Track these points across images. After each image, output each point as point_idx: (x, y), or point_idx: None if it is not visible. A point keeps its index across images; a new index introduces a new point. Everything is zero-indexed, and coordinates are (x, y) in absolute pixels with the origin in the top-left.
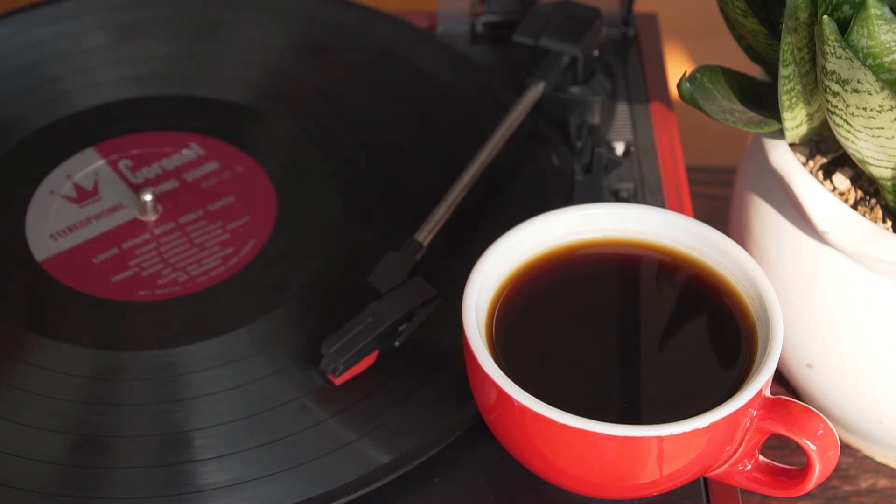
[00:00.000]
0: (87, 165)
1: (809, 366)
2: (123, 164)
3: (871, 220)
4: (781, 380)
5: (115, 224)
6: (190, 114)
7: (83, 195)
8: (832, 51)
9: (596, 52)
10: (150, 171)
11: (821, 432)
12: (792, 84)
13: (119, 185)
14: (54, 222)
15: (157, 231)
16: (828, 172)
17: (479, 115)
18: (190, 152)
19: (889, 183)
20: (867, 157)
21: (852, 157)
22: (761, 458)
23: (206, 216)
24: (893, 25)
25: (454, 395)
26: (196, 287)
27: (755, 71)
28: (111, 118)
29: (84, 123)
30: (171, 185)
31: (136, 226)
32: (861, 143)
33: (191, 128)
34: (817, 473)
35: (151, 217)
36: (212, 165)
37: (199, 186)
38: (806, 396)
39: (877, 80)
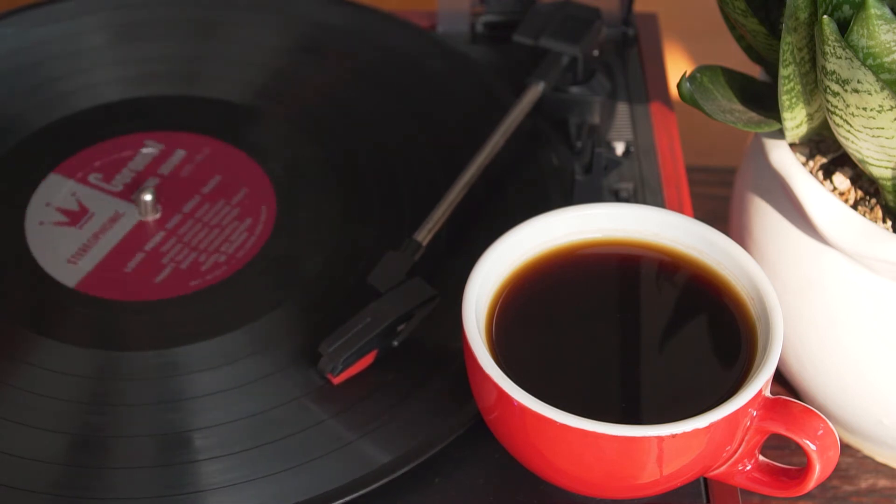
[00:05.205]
0: (60, 189)
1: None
2: (94, 178)
3: (871, 220)
4: (781, 380)
5: (123, 232)
6: (190, 114)
7: (74, 217)
8: (832, 51)
9: (596, 52)
10: (124, 177)
11: (821, 432)
12: (792, 84)
13: (101, 198)
14: (64, 249)
15: (167, 227)
16: (828, 172)
17: (479, 115)
18: (152, 150)
19: (889, 183)
20: (867, 157)
21: (852, 157)
22: (761, 458)
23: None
24: (893, 25)
25: (454, 395)
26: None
27: (755, 71)
28: (111, 118)
29: (84, 123)
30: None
31: (144, 228)
32: (861, 143)
33: (191, 128)
34: (817, 473)
35: (152, 217)
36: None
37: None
38: (806, 396)
39: (877, 80)
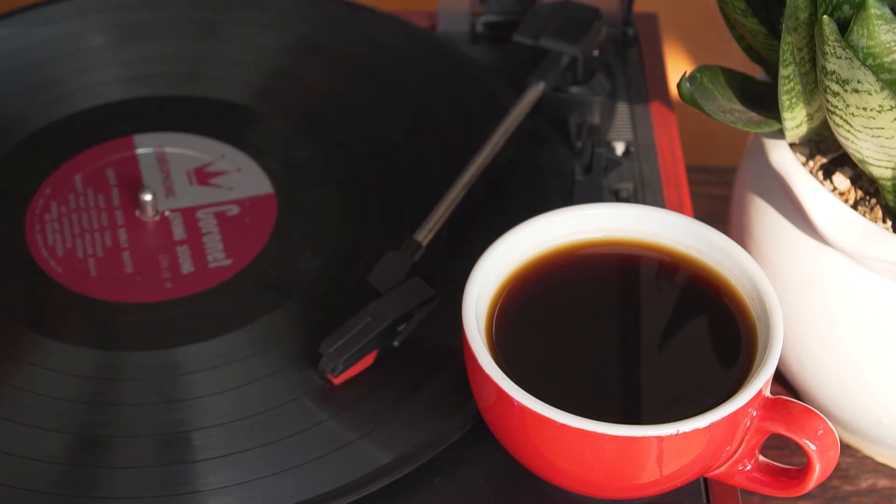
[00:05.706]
0: (194, 150)
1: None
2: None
3: (871, 220)
4: (781, 380)
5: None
6: (190, 114)
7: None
8: (832, 51)
9: (596, 52)
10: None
11: (821, 432)
12: (792, 84)
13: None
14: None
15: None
16: (828, 172)
17: (479, 115)
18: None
19: (889, 183)
20: (867, 157)
21: (852, 157)
22: (761, 458)
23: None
24: (893, 25)
25: (454, 395)
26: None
27: (755, 71)
28: (111, 118)
29: (84, 123)
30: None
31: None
32: (861, 143)
33: (191, 128)
34: (817, 473)
35: (152, 218)
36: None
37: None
38: (806, 396)
39: (877, 80)
